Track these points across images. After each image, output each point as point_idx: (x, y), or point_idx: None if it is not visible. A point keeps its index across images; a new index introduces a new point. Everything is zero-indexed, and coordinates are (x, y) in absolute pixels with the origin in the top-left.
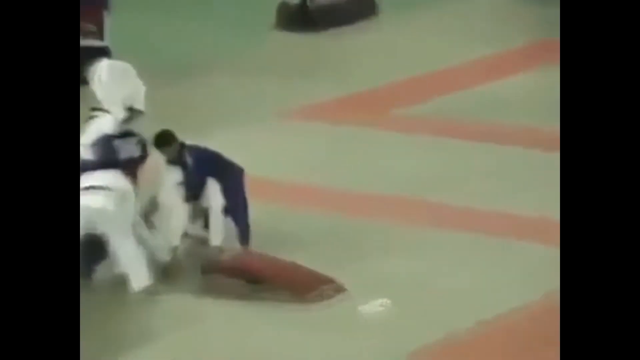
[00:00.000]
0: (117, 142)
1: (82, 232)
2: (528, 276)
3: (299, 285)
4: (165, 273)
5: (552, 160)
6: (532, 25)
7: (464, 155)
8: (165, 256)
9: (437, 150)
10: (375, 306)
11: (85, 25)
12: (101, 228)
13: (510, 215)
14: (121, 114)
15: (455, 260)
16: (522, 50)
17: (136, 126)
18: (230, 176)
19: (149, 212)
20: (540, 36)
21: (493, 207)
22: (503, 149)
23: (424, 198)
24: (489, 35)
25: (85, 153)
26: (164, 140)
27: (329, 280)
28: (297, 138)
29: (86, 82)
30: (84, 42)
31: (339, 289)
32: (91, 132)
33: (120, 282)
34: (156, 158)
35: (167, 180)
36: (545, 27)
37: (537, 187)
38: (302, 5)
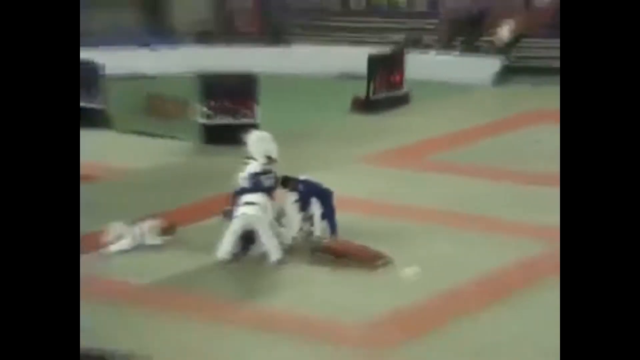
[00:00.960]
0: (261, 177)
1: (243, 228)
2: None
3: (365, 258)
4: (289, 251)
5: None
6: (529, 100)
7: (477, 187)
8: (289, 242)
9: (451, 182)
10: (410, 272)
11: (243, 111)
12: (253, 226)
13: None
14: (263, 161)
15: (465, 245)
16: (520, 116)
17: (271, 167)
18: (325, 196)
19: (279, 217)
20: (536, 107)
21: (498, 217)
22: (501, 184)
23: (447, 209)
24: (493, 110)
25: (243, 183)
26: (285, 181)
27: (383, 256)
28: (365, 174)
29: (244, 143)
30: (241, 120)
31: (389, 261)
32: (247, 171)
33: (264, 256)
34: (281, 191)
35: (289, 200)
36: (539, 101)
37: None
38: (367, 98)
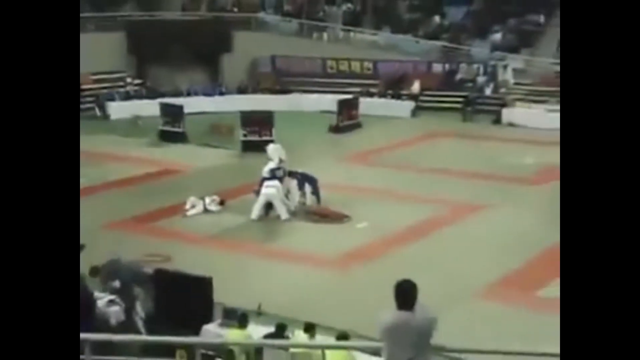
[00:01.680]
0: (276, 170)
1: (265, 200)
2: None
3: (336, 217)
4: (292, 214)
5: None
6: (430, 125)
7: (399, 176)
8: (292, 208)
9: (386, 173)
10: (361, 225)
11: (265, 132)
12: (272, 199)
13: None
14: (277, 161)
15: (393, 209)
16: (425, 134)
17: (282, 164)
18: (313, 181)
19: (286, 194)
20: (434, 129)
21: (408, 192)
22: (410, 174)
23: (386, 189)
24: (410, 131)
25: (265, 174)
26: (290, 173)
27: (346, 216)
28: (337, 168)
29: (265, 151)
30: (264, 138)
31: (349, 219)
32: (267, 167)
33: (277, 217)
34: (287, 178)
35: (292, 184)
36: (436, 126)
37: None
38: (337, 125)
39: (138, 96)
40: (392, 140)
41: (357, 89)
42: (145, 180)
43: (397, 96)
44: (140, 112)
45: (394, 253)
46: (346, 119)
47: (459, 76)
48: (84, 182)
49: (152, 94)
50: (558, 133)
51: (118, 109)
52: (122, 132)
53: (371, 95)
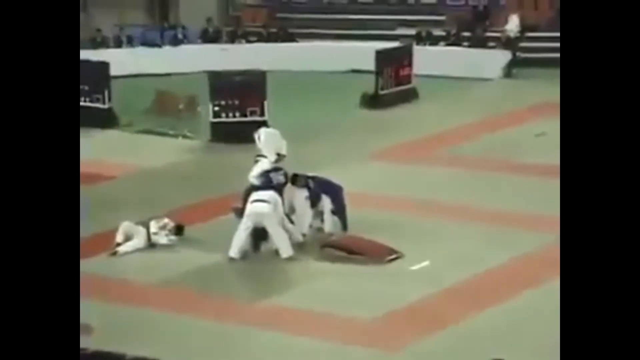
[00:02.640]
0: (271, 174)
1: (253, 225)
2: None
3: (376, 253)
4: (300, 248)
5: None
6: (536, 93)
7: (485, 180)
8: (299, 238)
9: (460, 175)
10: (419, 266)
11: (252, 108)
12: (264, 223)
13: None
14: (273, 158)
15: (474, 239)
16: (527, 110)
17: (281, 164)
18: (335, 192)
19: (290, 213)
20: (544, 100)
21: (499, 209)
22: (509, 177)
23: (457, 203)
24: (501, 104)
25: (254, 180)
26: (296, 178)
27: (393, 251)
28: (375, 170)
29: (253, 141)
30: (250, 118)
31: (399, 255)
32: (257, 168)
33: (274, 253)
34: (291, 187)
35: (299, 196)
36: (547, 94)
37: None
38: (375, 93)
39: None
40: (469, 120)
41: (409, 31)
42: None
43: (480, 42)
44: None
45: (474, 317)
46: (391, 83)
47: None
48: None
49: None
50: None
51: None
52: None
53: (434, 40)
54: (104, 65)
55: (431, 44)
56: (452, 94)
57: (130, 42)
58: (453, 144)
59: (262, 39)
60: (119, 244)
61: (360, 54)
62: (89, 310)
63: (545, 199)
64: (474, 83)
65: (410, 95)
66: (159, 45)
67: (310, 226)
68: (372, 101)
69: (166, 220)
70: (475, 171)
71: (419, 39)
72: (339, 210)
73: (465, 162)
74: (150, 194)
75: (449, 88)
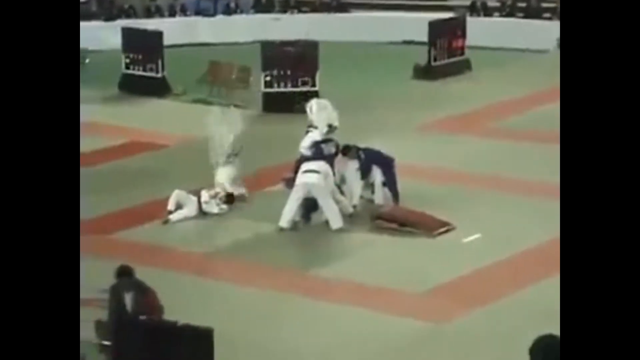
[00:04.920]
0: (322, 145)
1: (304, 195)
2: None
3: (427, 226)
4: (350, 219)
5: None
6: None
7: (539, 154)
8: (350, 209)
9: (512, 148)
10: (471, 239)
11: (304, 79)
12: (314, 193)
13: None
14: (324, 129)
15: (527, 212)
16: None
17: (333, 134)
18: (386, 163)
19: (340, 184)
20: None
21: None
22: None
23: (510, 176)
24: (557, 76)
25: (305, 151)
26: (347, 149)
27: (445, 223)
28: (427, 141)
29: (304, 111)
30: (302, 88)
31: (450, 228)
32: (308, 139)
33: (324, 224)
34: (342, 158)
35: (350, 167)
36: None
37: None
38: (428, 65)
39: (83, 15)
40: (524, 93)
41: (464, 2)
42: (98, 161)
43: (535, 13)
44: (88, 44)
45: (525, 290)
46: (444, 54)
47: None
48: None
49: (105, 12)
50: None
51: None
52: None
53: (488, 11)
54: (158, 35)
55: (485, 15)
56: (506, 66)
57: (184, 11)
58: (506, 117)
59: (314, 9)
60: (170, 212)
61: (413, 24)
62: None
63: None
64: (528, 55)
65: (463, 67)
66: (212, 15)
67: (361, 197)
68: (425, 72)
69: (217, 189)
70: (528, 144)
71: (473, 10)
72: (390, 181)
73: (517, 135)
74: (202, 163)
75: (502, 60)
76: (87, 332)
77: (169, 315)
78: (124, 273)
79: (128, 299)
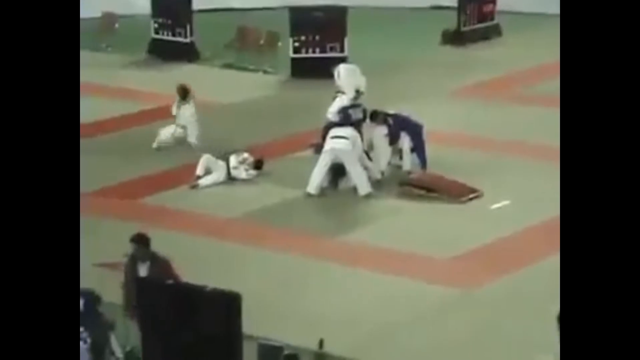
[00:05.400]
0: (350, 110)
1: (332, 161)
2: None
3: (455, 192)
4: (378, 185)
5: None
6: None
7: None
8: (378, 175)
9: (543, 114)
10: (499, 205)
11: (332, 44)
12: (342, 159)
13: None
14: (352, 94)
15: (556, 179)
16: None
17: (360, 100)
18: (415, 129)
19: (369, 150)
20: None
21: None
22: None
23: (538, 143)
24: None
25: (333, 117)
26: (375, 115)
27: (473, 189)
28: (456, 107)
29: (333, 77)
30: (330, 54)
31: (479, 195)
32: (335, 105)
33: (353, 190)
34: (370, 124)
35: (378, 133)
36: None
37: None
38: (457, 30)
39: None
40: (552, 58)
41: None
42: (129, 124)
43: None
44: (117, 9)
45: (553, 257)
46: (474, 19)
47: None
48: None
49: None
50: None
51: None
52: (90, 42)
53: None
54: (187, 0)
55: None
56: (537, 31)
57: None
58: (535, 83)
59: None
60: (199, 177)
61: None
62: (169, 242)
63: None
64: (559, 20)
65: (493, 32)
66: None
67: (389, 163)
68: (454, 38)
69: (246, 154)
70: (558, 110)
71: None
72: (418, 148)
73: (548, 101)
74: (230, 128)
75: (533, 25)
76: (115, 296)
77: (196, 280)
78: (140, 241)
79: (143, 269)
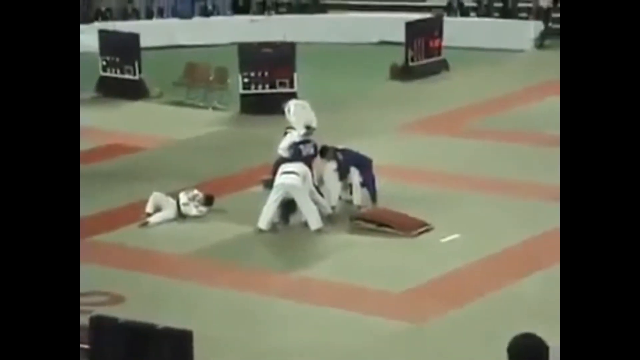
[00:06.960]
0: (300, 146)
1: (283, 197)
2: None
3: (406, 226)
4: (329, 220)
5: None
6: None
7: (515, 153)
8: (328, 210)
9: (491, 148)
10: (449, 239)
11: (281, 80)
12: (293, 194)
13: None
14: (302, 130)
15: (503, 212)
16: (543, 85)
17: (311, 136)
18: (364, 164)
19: (319, 186)
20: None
21: (532, 182)
22: (538, 150)
23: (487, 176)
24: (532, 76)
25: (283, 152)
26: (324, 150)
27: (423, 223)
28: (404, 142)
29: (283, 113)
30: (280, 90)
31: (429, 228)
32: (286, 140)
33: (303, 225)
34: (321, 159)
35: (328, 169)
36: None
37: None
38: (405, 65)
39: None
40: (501, 93)
41: (440, 2)
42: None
43: (511, 12)
44: None
45: (503, 289)
46: (421, 54)
47: None
48: None
49: (82, 15)
50: None
51: None
52: None
53: (464, 11)
54: (135, 37)
55: (462, 15)
56: (483, 66)
57: (161, 13)
58: (483, 117)
59: (292, 10)
60: (149, 215)
61: (390, 25)
62: (119, 280)
63: None
64: (505, 54)
65: (440, 67)
66: (190, 17)
67: (339, 198)
68: (402, 73)
69: (196, 191)
70: (506, 144)
71: (450, 10)
72: (368, 182)
73: (496, 135)
74: (180, 165)
75: (479, 60)
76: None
77: (147, 319)
78: None
79: None
